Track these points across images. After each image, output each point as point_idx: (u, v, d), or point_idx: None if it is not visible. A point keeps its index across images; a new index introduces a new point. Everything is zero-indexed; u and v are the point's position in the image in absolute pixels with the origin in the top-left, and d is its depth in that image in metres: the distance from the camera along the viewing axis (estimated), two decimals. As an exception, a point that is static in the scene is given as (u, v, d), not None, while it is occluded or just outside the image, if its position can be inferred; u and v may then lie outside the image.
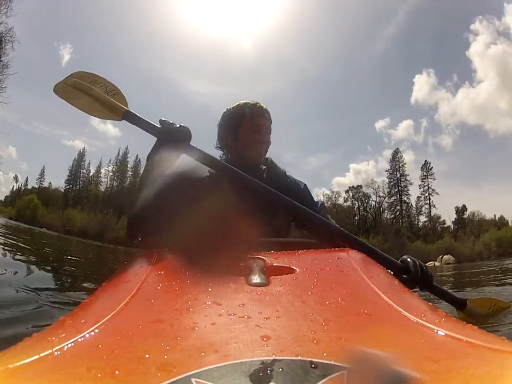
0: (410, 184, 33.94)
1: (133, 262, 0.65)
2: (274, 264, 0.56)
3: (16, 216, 27.29)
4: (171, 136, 0.96)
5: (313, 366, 0.27)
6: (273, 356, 0.28)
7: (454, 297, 1.05)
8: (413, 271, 0.93)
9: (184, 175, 0.93)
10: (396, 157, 35.48)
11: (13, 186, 36.78)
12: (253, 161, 1.15)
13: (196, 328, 0.34)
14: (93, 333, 0.34)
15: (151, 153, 0.99)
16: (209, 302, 0.40)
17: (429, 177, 34.10)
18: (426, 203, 32.01)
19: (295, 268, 0.54)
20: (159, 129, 0.99)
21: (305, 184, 1.23)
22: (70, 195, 34.85)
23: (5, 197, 35.86)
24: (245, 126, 1.14)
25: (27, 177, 38.30)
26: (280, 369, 0.26)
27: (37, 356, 0.29)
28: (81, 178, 35.66)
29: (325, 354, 0.28)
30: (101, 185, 35.67)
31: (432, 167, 34.93)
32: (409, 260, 0.97)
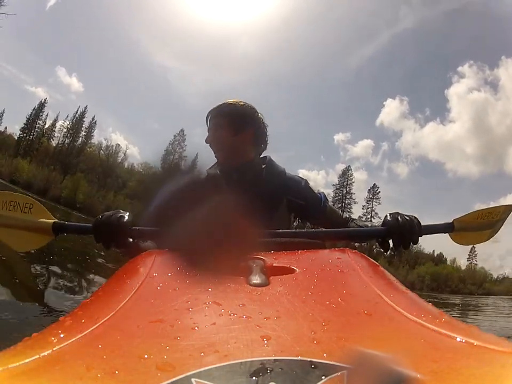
0: (355, 203, 34.51)
1: (133, 262, 0.65)
2: (274, 264, 0.56)
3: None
4: (106, 233, 0.88)
5: (313, 366, 0.27)
6: (273, 355, 0.28)
7: (440, 226, 1.03)
8: (397, 233, 0.87)
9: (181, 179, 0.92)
10: (346, 174, 36.05)
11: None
12: (223, 160, 1.14)
13: (196, 328, 0.34)
14: (93, 333, 0.34)
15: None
16: (209, 302, 0.40)
17: (374, 200, 35.18)
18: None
19: (295, 268, 0.54)
20: (92, 229, 0.91)
21: (306, 181, 1.21)
22: (22, 144, 32.94)
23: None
24: (208, 130, 1.17)
25: (-15, 117, 35.70)
26: (280, 369, 0.26)
27: (37, 356, 0.29)
28: (36, 129, 33.91)
29: (325, 354, 0.28)
30: (53, 139, 34.36)
31: (379, 192, 36.01)
32: (389, 220, 0.88)
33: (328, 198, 1.26)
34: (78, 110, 34.84)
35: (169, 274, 0.52)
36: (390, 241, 0.90)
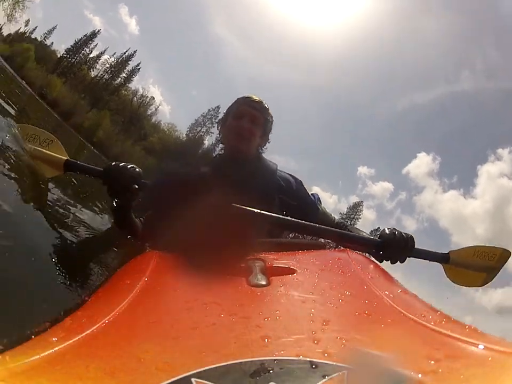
0: (355, 238, 35.09)
1: (133, 262, 0.65)
2: (274, 265, 0.56)
3: (7, 56, 24.94)
4: (116, 177, 0.89)
5: (313, 366, 0.27)
6: (273, 356, 0.28)
7: (436, 254, 1.02)
8: (392, 248, 0.88)
9: (177, 178, 0.92)
10: (356, 207, 35.38)
11: (20, 28, 33.66)
12: (236, 149, 1.12)
13: (196, 328, 0.34)
14: (93, 333, 0.34)
15: (113, 205, 0.94)
16: (210, 302, 0.40)
17: (374, 242, 34.73)
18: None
19: (295, 269, 0.54)
20: (103, 172, 0.93)
21: (300, 182, 1.18)
22: (62, 63, 32.89)
23: (8, 34, 32.57)
24: (230, 115, 1.15)
25: (36, 27, 35.53)
26: (280, 369, 0.26)
27: (37, 356, 0.29)
28: (80, 55, 33.83)
29: (325, 354, 0.28)
30: (93, 70, 34.16)
31: (381, 237, 35.49)
32: (387, 232, 0.91)
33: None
34: (127, 51, 34.67)
35: (169, 274, 0.52)
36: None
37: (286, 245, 0.81)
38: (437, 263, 1.04)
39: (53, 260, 0.67)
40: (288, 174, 1.19)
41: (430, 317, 0.39)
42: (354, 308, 0.41)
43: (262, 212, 0.85)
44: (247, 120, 1.11)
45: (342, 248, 0.90)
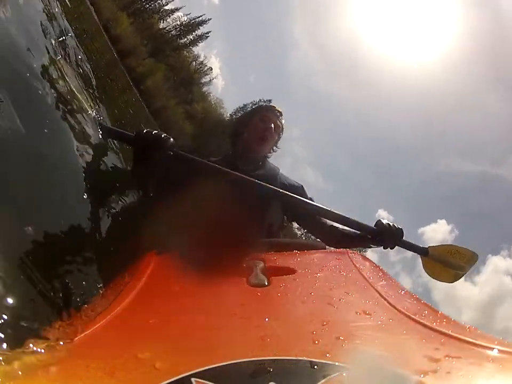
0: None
1: (134, 262, 0.65)
2: (275, 265, 0.56)
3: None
4: (146, 144, 0.90)
5: (313, 366, 0.27)
6: (273, 356, 0.28)
7: (418, 247, 1.13)
8: (386, 235, 1.02)
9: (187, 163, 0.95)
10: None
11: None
12: (251, 149, 1.20)
13: (196, 328, 0.34)
14: (93, 333, 0.34)
15: (133, 168, 0.96)
16: (210, 302, 0.40)
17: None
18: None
19: (295, 269, 0.54)
20: (133, 137, 0.93)
21: (302, 186, 1.23)
22: (135, 5, 32.00)
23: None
24: (255, 117, 1.25)
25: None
26: (280, 369, 0.26)
27: (37, 356, 0.29)
28: (155, 3, 33.01)
29: (325, 354, 0.28)
30: (163, 22, 33.67)
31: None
32: (383, 222, 1.05)
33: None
34: (201, 16, 34.16)
35: (169, 274, 0.52)
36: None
37: (286, 245, 0.81)
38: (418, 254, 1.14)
39: (52, 260, 0.67)
40: (291, 179, 1.25)
41: (430, 317, 0.39)
42: (354, 308, 0.41)
43: (249, 178, 0.91)
44: (270, 125, 1.22)
45: (341, 249, 0.90)
